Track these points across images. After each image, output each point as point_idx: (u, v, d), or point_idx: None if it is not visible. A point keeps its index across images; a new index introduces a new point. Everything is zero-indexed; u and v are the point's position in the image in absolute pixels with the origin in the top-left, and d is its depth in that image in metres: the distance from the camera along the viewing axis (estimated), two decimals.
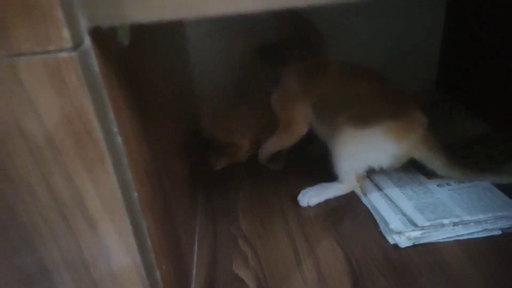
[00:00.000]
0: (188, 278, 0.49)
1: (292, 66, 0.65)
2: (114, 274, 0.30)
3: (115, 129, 0.27)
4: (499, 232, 0.53)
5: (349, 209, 0.62)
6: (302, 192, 0.63)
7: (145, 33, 0.39)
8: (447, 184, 0.61)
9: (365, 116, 0.57)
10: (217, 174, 0.72)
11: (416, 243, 0.53)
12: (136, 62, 0.36)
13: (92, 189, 0.27)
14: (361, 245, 0.54)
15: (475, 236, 0.53)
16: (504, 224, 0.54)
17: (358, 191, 0.64)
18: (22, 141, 0.25)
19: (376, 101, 0.58)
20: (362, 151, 0.59)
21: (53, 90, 0.24)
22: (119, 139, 0.27)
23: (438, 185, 0.61)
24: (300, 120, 0.65)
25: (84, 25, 0.25)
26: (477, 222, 0.54)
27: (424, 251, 0.52)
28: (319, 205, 0.63)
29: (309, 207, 0.62)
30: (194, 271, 0.52)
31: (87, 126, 0.25)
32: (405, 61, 0.86)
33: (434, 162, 0.60)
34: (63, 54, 0.23)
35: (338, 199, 0.63)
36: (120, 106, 0.28)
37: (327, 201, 0.63)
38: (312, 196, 0.62)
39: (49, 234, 0.28)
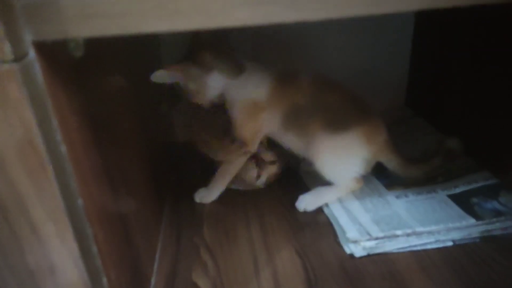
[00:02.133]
0: (145, 287, 0.50)
1: (255, 75, 0.63)
2: (57, 278, 0.31)
3: (59, 138, 0.28)
4: (451, 243, 0.56)
5: (311, 218, 0.63)
6: (300, 197, 0.64)
7: (106, 43, 0.40)
8: (405, 195, 0.63)
9: (338, 122, 0.60)
10: (185, 184, 0.73)
11: (370, 253, 0.55)
12: (93, 72, 0.37)
13: (34, 196, 0.28)
14: (319, 254, 0.56)
15: (428, 246, 0.56)
16: (456, 235, 0.56)
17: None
18: None
19: (346, 108, 0.61)
20: (342, 156, 0.62)
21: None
22: (63, 148, 0.28)
23: (396, 197, 0.63)
24: (258, 136, 0.65)
25: (28, 38, 0.26)
26: (430, 233, 0.56)
27: (378, 261, 0.54)
28: (282, 214, 0.64)
29: (272, 216, 0.64)
30: (153, 280, 0.53)
31: (28, 135, 0.26)
32: (375, 78, 0.89)
33: (395, 163, 0.64)
34: (5, 66, 0.25)
35: None
36: (65, 116, 0.29)
37: (289, 210, 0.65)
38: (310, 202, 0.64)
39: None
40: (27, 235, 0.29)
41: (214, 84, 0.61)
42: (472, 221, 0.56)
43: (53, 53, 0.28)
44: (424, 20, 0.83)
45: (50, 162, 0.27)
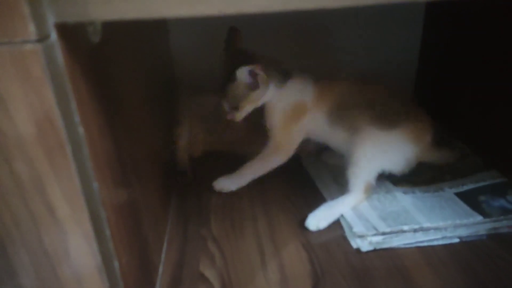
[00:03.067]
0: (153, 275, 0.50)
1: (299, 80, 0.64)
2: (71, 259, 0.31)
3: (77, 120, 0.28)
4: (458, 240, 0.56)
5: None
6: (310, 216, 0.60)
7: (121, 31, 0.40)
8: (412, 192, 0.64)
9: (386, 117, 0.60)
10: (191, 176, 0.73)
11: (377, 248, 0.55)
12: (109, 58, 0.38)
13: (52, 176, 0.28)
14: (325, 249, 0.56)
15: (434, 243, 0.56)
16: (462, 232, 0.56)
17: (327, 197, 0.65)
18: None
19: (394, 104, 0.61)
20: (383, 152, 0.61)
21: (17, 79, 0.26)
22: (80, 129, 0.29)
23: (404, 192, 0.63)
24: (297, 139, 0.65)
25: (51, 20, 0.26)
26: (437, 229, 0.56)
27: (384, 256, 0.54)
28: (288, 209, 0.65)
29: (278, 211, 0.64)
30: (160, 269, 0.53)
31: (48, 114, 0.27)
32: (383, 77, 0.90)
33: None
34: (28, 46, 0.25)
35: (308, 203, 0.65)
36: (83, 99, 0.30)
37: (295, 205, 0.65)
38: (321, 219, 0.60)
39: (10, 218, 0.29)
40: (44, 215, 0.30)
41: (269, 93, 0.62)
42: (479, 218, 0.56)
43: (73, 36, 0.29)
44: (434, 16, 0.83)
45: (69, 142, 0.28)
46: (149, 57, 0.59)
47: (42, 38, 0.25)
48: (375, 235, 0.55)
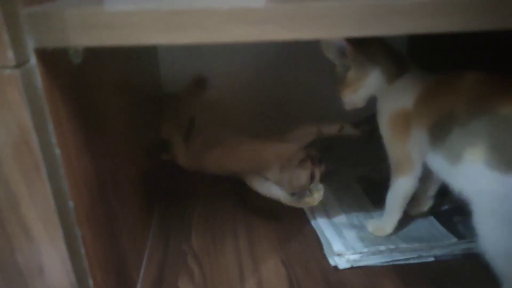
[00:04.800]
0: None
1: (412, 80, 0.51)
2: (45, 277, 0.32)
3: (54, 141, 0.29)
4: (433, 259, 0.57)
5: (298, 230, 0.64)
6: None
7: (105, 51, 0.41)
8: None
9: None
10: (175, 192, 0.74)
11: (354, 265, 0.56)
12: (92, 78, 0.39)
13: (27, 196, 0.29)
14: (303, 265, 0.57)
15: (410, 261, 0.57)
16: (437, 252, 0.57)
17: (308, 213, 0.66)
18: None
19: None
20: None
21: None
22: (57, 150, 0.29)
23: (381, 214, 0.64)
24: (415, 157, 0.51)
25: (30, 45, 0.27)
26: (413, 249, 0.57)
27: (361, 273, 0.55)
28: (269, 225, 0.65)
29: (259, 227, 0.64)
30: (139, 285, 0.53)
31: (25, 137, 0.27)
32: None
33: None
34: (7, 72, 0.26)
35: (289, 220, 0.66)
36: (62, 120, 0.31)
37: (277, 220, 0.66)
38: None
39: None
40: (18, 234, 0.30)
41: (371, 83, 0.52)
42: (454, 240, 0.57)
43: (53, 60, 0.29)
44: (417, 43, 0.86)
45: (44, 163, 0.28)
46: (134, 75, 0.60)
47: (21, 63, 0.26)
48: (353, 254, 0.56)
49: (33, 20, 0.27)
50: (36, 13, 0.27)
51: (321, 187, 0.59)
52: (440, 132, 0.44)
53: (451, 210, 0.64)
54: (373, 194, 0.69)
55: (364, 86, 0.52)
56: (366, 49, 0.50)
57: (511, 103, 0.38)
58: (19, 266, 0.31)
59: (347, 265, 0.55)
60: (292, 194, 0.59)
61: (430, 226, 0.61)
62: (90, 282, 0.35)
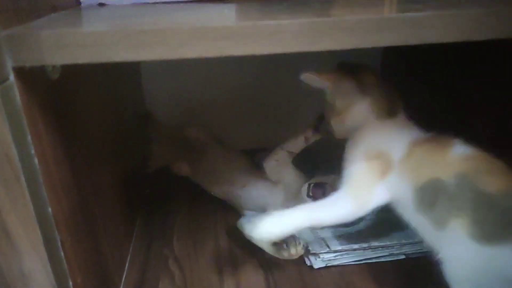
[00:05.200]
0: None
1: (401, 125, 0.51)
2: (26, 279, 0.34)
3: (32, 152, 0.31)
4: (403, 257, 0.60)
5: None
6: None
7: (84, 69, 0.44)
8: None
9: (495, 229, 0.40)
10: (158, 199, 0.76)
11: (328, 265, 0.58)
12: (71, 92, 0.41)
13: (8, 203, 0.31)
14: (281, 267, 0.59)
15: (382, 259, 0.60)
16: (408, 249, 0.60)
17: None
18: None
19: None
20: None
21: None
22: (35, 160, 0.32)
23: None
24: (376, 199, 0.49)
25: (9, 64, 0.30)
26: (384, 247, 0.60)
27: (335, 272, 0.58)
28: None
29: (236, 229, 0.66)
30: None
31: (4, 148, 0.30)
32: None
33: None
34: None
35: None
36: (40, 132, 0.33)
37: None
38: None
39: None
40: (10, 254, 0.32)
41: (359, 114, 0.51)
42: None
43: (30, 76, 0.32)
44: (391, 53, 0.90)
45: (23, 173, 0.31)
46: (116, 90, 0.62)
47: (0, 81, 0.29)
48: (327, 252, 0.59)
49: (11, 41, 0.29)
50: (13, 35, 0.29)
51: (299, 241, 0.57)
52: (426, 196, 0.44)
53: None
54: None
55: (351, 116, 0.51)
56: (357, 78, 0.50)
57: (495, 182, 0.41)
58: (2, 270, 0.33)
59: (322, 265, 0.58)
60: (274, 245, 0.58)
61: (401, 224, 0.64)
62: (70, 284, 0.37)
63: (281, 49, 0.32)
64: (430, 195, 0.44)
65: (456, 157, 0.44)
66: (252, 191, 0.67)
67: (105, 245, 0.50)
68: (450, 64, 0.68)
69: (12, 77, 0.30)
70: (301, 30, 0.30)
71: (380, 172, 0.48)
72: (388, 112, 0.50)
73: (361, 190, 0.49)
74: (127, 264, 0.60)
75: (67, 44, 0.30)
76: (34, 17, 0.36)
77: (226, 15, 0.41)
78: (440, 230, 0.43)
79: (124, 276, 0.57)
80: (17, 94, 0.30)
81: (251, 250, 0.63)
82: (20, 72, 0.30)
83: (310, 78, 0.51)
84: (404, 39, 0.29)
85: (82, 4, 0.47)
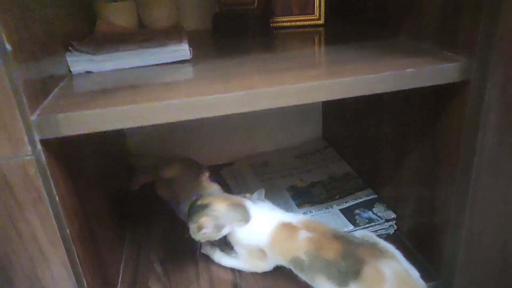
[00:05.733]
0: None
1: (259, 223, 0.70)
2: (54, 281, 0.49)
3: (54, 192, 0.47)
4: None
5: None
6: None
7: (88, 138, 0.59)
8: (310, 211, 0.85)
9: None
10: (144, 214, 0.91)
11: None
12: (77, 150, 0.56)
13: (41, 228, 0.46)
14: None
15: None
16: None
17: None
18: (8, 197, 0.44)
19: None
20: None
21: (21, 176, 0.44)
22: (57, 198, 0.47)
23: (304, 213, 0.84)
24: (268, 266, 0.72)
25: (37, 138, 0.45)
26: None
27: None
28: None
29: None
30: (119, 286, 0.70)
31: (38, 192, 0.45)
32: (298, 115, 1.12)
33: None
34: (27, 158, 0.43)
35: None
36: (58, 179, 0.48)
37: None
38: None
39: (15, 259, 0.47)
40: (37, 255, 0.47)
41: (228, 230, 0.69)
42: (351, 227, 0.78)
43: (52, 144, 0.47)
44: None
45: (50, 206, 0.46)
46: (106, 141, 0.78)
47: (34, 150, 0.44)
48: None
49: (38, 124, 0.44)
50: (39, 119, 0.44)
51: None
52: (296, 266, 0.66)
53: (354, 205, 0.84)
54: (297, 199, 0.88)
55: (222, 232, 0.70)
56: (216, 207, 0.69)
57: (329, 252, 0.62)
58: (38, 276, 0.48)
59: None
60: None
61: (336, 217, 0.81)
62: (85, 283, 0.52)
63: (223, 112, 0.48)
64: (297, 264, 0.66)
65: (302, 241, 0.65)
66: None
67: (104, 253, 0.65)
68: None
69: (39, 145, 0.45)
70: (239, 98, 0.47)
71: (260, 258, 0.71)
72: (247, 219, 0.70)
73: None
74: (121, 268, 0.75)
75: (75, 122, 0.45)
76: (48, 93, 0.51)
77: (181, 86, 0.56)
78: (313, 282, 0.65)
79: (120, 276, 0.73)
80: (43, 157, 0.45)
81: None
82: (44, 142, 0.45)
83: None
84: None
85: (73, 72, 0.62)
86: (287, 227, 0.68)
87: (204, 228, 0.67)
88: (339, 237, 0.64)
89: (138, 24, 0.90)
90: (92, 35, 0.78)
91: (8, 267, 0.47)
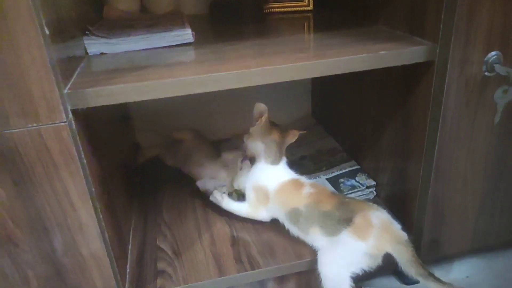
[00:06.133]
0: (126, 249, 0.77)
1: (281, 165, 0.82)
2: (83, 232, 0.58)
3: (83, 155, 0.55)
4: None
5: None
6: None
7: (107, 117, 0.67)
8: None
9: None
10: (150, 179, 1.01)
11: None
12: (97, 122, 0.64)
13: (72, 185, 0.55)
14: (240, 222, 0.85)
15: None
16: None
17: None
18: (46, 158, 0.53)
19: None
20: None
21: (57, 140, 0.52)
22: (85, 161, 0.56)
23: None
24: (265, 215, 0.82)
25: (69, 108, 0.53)
26: None
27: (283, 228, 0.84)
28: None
29: (211, 204, 0.91)
30: (129, 246, 0.80)
31: (71, 154, 0.53)
32: (289, 95, 1.21)
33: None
34: (62, 123, 0.52)
35: None
36: (84, 144, 0.57)
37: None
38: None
39: (51, 214, 0.56)
40: (68, 207, 0.56)
41: (257, 150, 0.81)
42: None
43: (80, 114, 0.55)
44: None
45: (81, 168, 0.54)
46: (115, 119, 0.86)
47: (67, 118, 0.52)
48: None
49: (70, 96, 0.52)
50: (71, 92, 0.52)
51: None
52: (292, 218, 0.76)
53: (339, 175, 0.94)
54: None
55: (254, 148, 0.81)
56: (271, 132, 0.80)
57: (326, 205, 0.73)
58: (69, 226, 0.57)
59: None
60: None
61: (323, 184, 0.91)
62: (106, 234, 0.61)
63: (225, 87, 0.57)
64: (294, 216, 0.75)
65: (305, 195, 0.76)
66: (208, 170, 0.93)
67: (118, 214, 0.74)
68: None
69: (71, 114, 0.53)
70: (237, 76, 0.56)
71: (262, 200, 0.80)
72: (272, 161, 0.80)
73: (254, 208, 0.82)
74: (131, 230, 0.84)
75: (100, 95, 0.54)
76: (74, 70, 0.59)
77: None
78: (306, 234, 0.75)
79: (131, 237, 0.82)
80: (73, 124, 0.54)
81: (219, 215, 0.88)
82: (75, 112, 0.54)
83: (258, 108, 0.80)
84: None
85: (89, 54, 0.70)
86: (296, 182, 0.79)
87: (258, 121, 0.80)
88: (336, 195, 0.77)
89: (140, 8, 0.97)
90: (102, 20, 0.86)
91: (44, 217, 0.56)
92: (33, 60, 0.48)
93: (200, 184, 0.93)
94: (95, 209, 0.58)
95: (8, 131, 0.51)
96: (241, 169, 0.89)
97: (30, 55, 0.47)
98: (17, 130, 0.51)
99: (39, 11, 0.47)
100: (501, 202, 0.78)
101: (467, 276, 0.85)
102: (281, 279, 0.79)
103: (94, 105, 0.54)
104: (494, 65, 0.61)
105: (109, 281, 0.64)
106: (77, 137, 0.54)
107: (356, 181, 0.91)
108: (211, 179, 0.92)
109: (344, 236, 0.69)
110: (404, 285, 0.84)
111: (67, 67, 0.56)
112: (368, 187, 0.89)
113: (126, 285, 0.70)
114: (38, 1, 0.47)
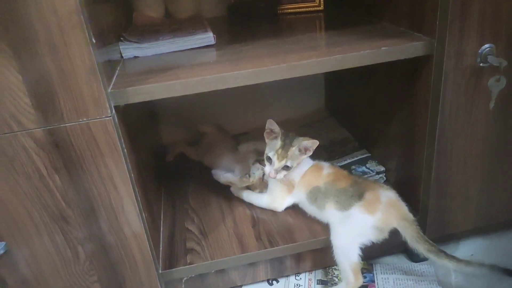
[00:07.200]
0: (159, 230, 0.86)
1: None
2: (125, 212, 0.67)
3: (124, 147, 0.64)
4: None
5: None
6: None
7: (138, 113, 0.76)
8: None
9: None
10: (175, 171, 1.10)
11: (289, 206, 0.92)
12: (134, 119, 0.73)
13: (116, 171, 0.64)
14: (260, 208, 0.93)
15: None
16: None
17: None
18: (94, 147, 0.62)
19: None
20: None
21: (103, 132, 0.61)
22: (126, 151, 0.64)
23: None
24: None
25: (112, 104, 0.62)
26: None
27: (298, 210, 0.92)
28: None
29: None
30: (161, 228, 0.89)
31: (114, 144, 0.62)
32: (304, 90, 1.28)
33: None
34: (107, 118, 0.61)
35: None
36: (124, 136, 0.66)
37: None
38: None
39: (98, 196, 0.65)
40: (112, 190, 0.65)
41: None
42: None
43: (121, 110, 0.64)
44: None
45: (123, 157, 0.63)
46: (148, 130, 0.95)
47: (111, 113, 0.61)
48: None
49: (113, 94, 0.61)
50: (114, 91, 0.61)
51: (258, 166, 0.93)
52: (312, 195, 0.85)
53: (351, 162, 1.01)
54: None
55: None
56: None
57: (342, 183, 0.83)
58: (113, 207, 0.66)
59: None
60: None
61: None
62: (144, 215, 0.70)
63: (245, 83, 0.65)
64: (313, 194, 0.84)
65: (324, 175, 0.86)
66: (225, 161, 1.02)
67: (151, 198, 0.83)
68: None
69: (113, 110, 0.62)
70: (255, 73, 0.64)
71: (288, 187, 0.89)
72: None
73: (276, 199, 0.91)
74: (162, 214, 0.93)
75: (138, 93, 0.62)
76: (114, 72, 0.68)
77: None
78: (322, 210, 0.83)
79: (161, 220, 0.91)
80: (116, 118, 0.63)
81: (241, 201, 0.96)
82: (117, 108, 0.63)
83: (271, 123, 0.86)
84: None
85: (124, 57, 0.79)
86: (318, 166, 0.88)
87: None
88: (352, 175, 0.87)
89: (164, 14, 1.06)
90: (132, 26, 0.95)
91: (91, 199, 0.65)
92: (84, 66, 0.57)
93: (214, 173, 1.02)
94: (135, 192, 0.67)
95: (63, 125, 0.60)
96: (253, 164, 0.97)
97: (82, 62, 0.56)
98: (70, 124, 0.60)
99: (88, 24, 0.56)
100: (501, 182, 0.84)
101: (472, 254, 0.91)
102: (298, 257, 0.87)
103: (133, 102, 0.63)
104: (488, 56, 0.67)
105: (147, 257, 0.73)
106: (119, 130, 0.63)
107: (366, 167, 0.98)
108: (226, 170, 1.01)
109: (355, 210, 0.78)
110: (413, 263, 0.90)
111: (109, 70, 0.65)
112: (378, 173, 0.96)
113: (160, 261, 0.80)
114: (86, 15, 0.56)
